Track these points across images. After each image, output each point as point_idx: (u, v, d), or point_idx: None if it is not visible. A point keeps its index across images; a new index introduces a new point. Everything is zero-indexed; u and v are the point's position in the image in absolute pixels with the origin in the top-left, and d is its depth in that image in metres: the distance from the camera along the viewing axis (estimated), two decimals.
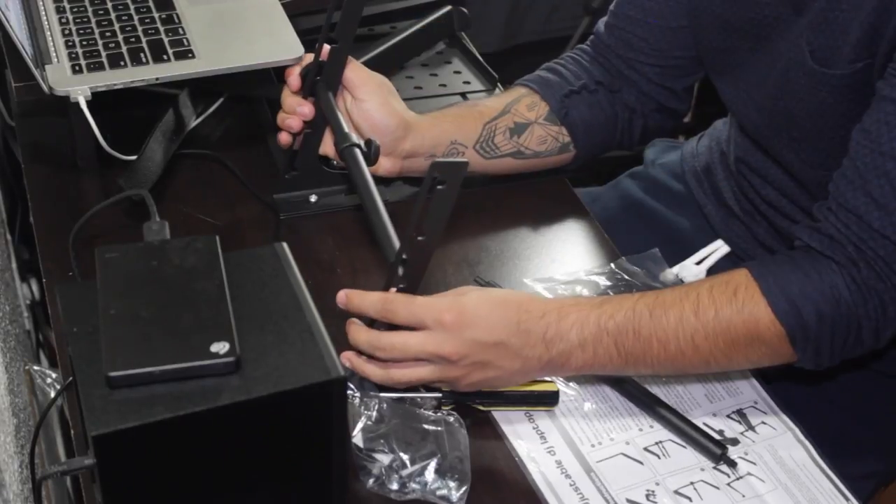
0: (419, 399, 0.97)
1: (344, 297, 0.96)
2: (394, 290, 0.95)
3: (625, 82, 1.25)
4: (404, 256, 0.92)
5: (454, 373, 0.94)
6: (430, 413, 0.95)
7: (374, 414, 0.94)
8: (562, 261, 1.18)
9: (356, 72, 1.14)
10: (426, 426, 0.94)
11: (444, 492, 0.91)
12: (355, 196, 1.16)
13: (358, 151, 1.07)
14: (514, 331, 0.94)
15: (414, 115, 1.17)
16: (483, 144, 1.20)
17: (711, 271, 1.22)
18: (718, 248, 1.26)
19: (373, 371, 0.95)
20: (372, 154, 1.08)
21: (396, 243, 0.96)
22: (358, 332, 0.95)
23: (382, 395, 0.96)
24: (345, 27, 1.09)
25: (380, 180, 1.13)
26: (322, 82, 1.13)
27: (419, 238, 0.89)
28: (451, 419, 0.95)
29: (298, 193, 1.20)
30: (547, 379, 1.01)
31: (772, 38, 1.10)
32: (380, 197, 1.01)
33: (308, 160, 1.18)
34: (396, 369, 0.94)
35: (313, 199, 1.21)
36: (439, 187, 0.86)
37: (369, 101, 1.13)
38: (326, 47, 1.11)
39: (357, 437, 0.92)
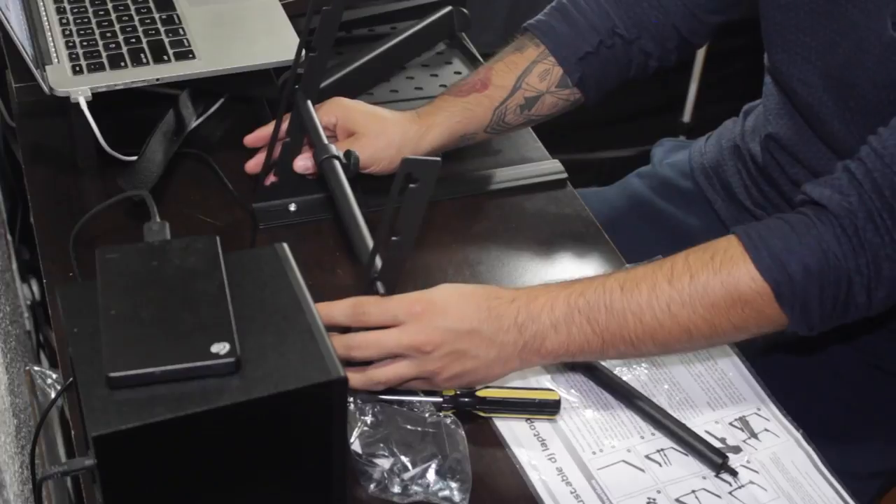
0: (419, 404, 0.96)
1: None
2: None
3: (644, 29, 1.21)
4: (378, 258, 0.92)
5: (431, 365, 0.94)
6: (427, 415, 0.95)
7: (371, 418, 0.94)
8: (562, 261, 1.18)
9: (348, 127, 1.16)
10: (424, 428, 0.94)
11: (446, 493, 0.91)
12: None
13: (337, 163, 1.07)
14: (486, 317, 0.94)
15: (415, 130, 1.17)
16: (494, 126, 1.22)
17: None
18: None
19: (352, 377, 0.94)
20: (352, 165, 1.08)
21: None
22: (332, 307, 0.95)
23: (382, 397, 0.96)
24: (323, 35, 1.08)
25: (363, 189, 1.14)
26: (300, 91, 1.12)
27: (393, 238, 0.89)
28: (448, 420, 0.95)
29: (278, 202, 1.19)
30: (549, 387, 1.01)
31: (846, 6, 1.06)
32: (358, 208, 1.01)
33: (286, 170, 1.17)
34: (374, 370, 0.94)
35: (293, 208, 1.20)
36: (412, 186, 0.85)
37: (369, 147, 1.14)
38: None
39: (355, 444, 0.92)
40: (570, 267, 1.17)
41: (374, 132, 1.16)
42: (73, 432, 0.96)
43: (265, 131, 1.19)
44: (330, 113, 1.17)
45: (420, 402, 0.96)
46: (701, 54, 2.35)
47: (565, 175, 1.29)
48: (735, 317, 0.95)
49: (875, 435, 1.21)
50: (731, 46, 1.24)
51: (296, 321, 0.78)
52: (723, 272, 0.94)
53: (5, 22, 1.18)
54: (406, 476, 0.91)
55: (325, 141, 1.09)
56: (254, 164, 1.19)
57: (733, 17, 1.25)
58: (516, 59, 1.23)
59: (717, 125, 1.42)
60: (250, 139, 1.21)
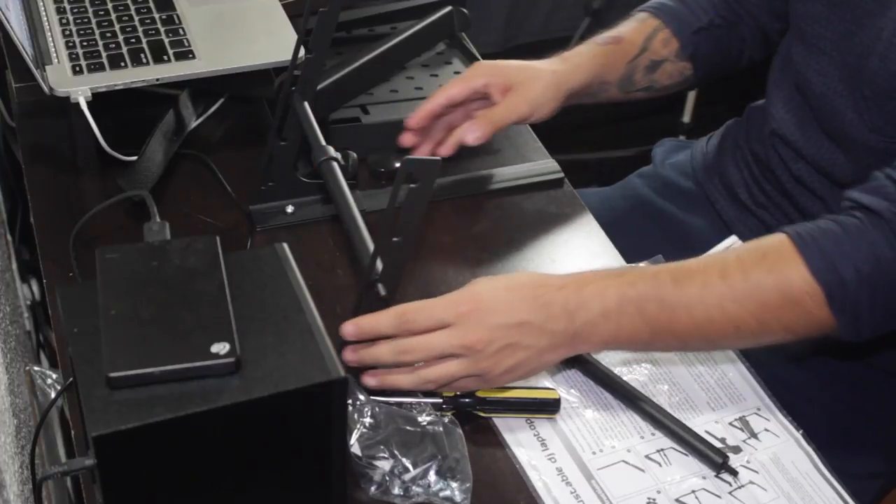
0: (419, 405, 0.96)
1: (353, 326, 0.94)
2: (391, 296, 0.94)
3: (741, 15, 1.28)
4: (379, 259, 0.91)
5: (484, 363, 0.93)
6: (425, 415, 0.95)
7: (370, 420, 0.94)
8: (562, 262, 1.18)
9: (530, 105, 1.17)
10: (423, 428, 0.93)
11: (447, 493, 0.91)
12: (332, 206, 1.16)
13: (335, 165, 1.07)
14: (534, 306, 0.94)
15: (563, 69, 1.19)
16: (624, 82, 1.26)
17: None
18: (733, 244, 1.27)
19: (404, 378, 0.94)
20: (350, 167, 1.08)
21: None
22: (378, 348, 0.94)
23: (381, 399, 0.96)
24: (320, 36, 1.07)
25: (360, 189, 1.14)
26: (297, 93, 1.12)
27: (394, 239, 0.89)
28: (447, 420, 0.95)
29: (275, 204, 1.19)
30: (549, 386, 1.01)
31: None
32: (357, 209, 1.01)
33: (283, 171, 1.17)
34: (426, 370, 0.94)
35: (290, 209, 1.19)
36: (412, 186, 0.85)
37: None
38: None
39: (355, 446, 0.92)
40: (570, 267, 1.17)
41: (530, 77, 1.17)
42: (73, 432, 0.96)
43: (428, 109, 1.17)
44: (476, 76, 1.17)
45: (419, 402, 0.96)
46: None
47: (561, 175, 1.29)
48: (785, 317, 0.94)
49: (876, 436, 1.21)
50: None
51: (296, 321, 0.78)
52: (775, 271, 0.93)
53: (5, 22, 1.18)
54: (407, 477, 0.91)
55: (323, 142, 1.09)
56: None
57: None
58: (640, 26, 1.28)
59: (716, 125, 1.42)
60: (413, 120, 1.17)
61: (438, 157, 0.85)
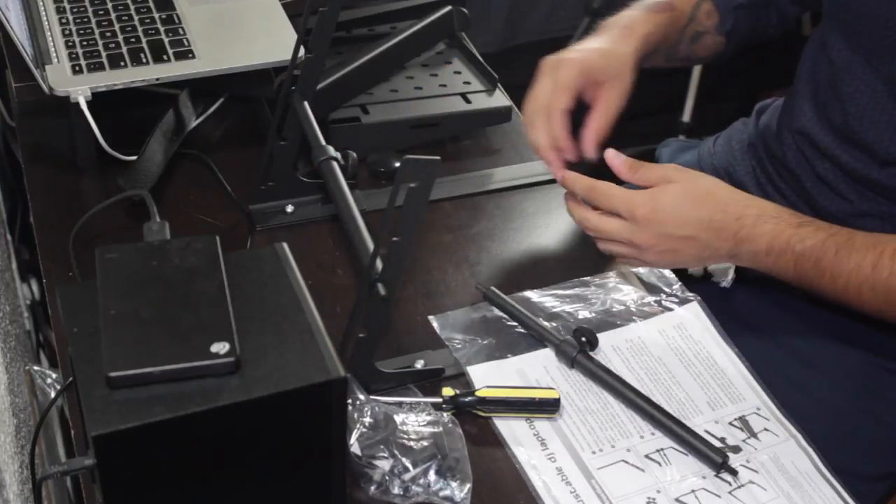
0: (419, 405, 0.96)
1: (561, 175, 1.11)
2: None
3: None
4: (379, 257, 0.91)
5: (648, 257, 1.06)
6: (425, 414, 0.95)
7: (369, 420, 0.94)
8: (562, 262, 1.18)
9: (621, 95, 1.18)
10: (423, 428, 0.93)
11: (447, 492, 0.91)
12: (332, 206, 1.15)
13: (335, 164, 1.07)
14: (706, 227, 1.04)
15: (632, 46, 1.19)
16: (671, 51, 1.28)
17: (739, 266, 1.22)
18: None
19: (576, 211, 1.10)
20: (349, 167, 1.08)
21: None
22: (575, 181, 1.10)
23: (381, 398, 0.96)
24: (320, 36, 1.07)
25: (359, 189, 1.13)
26: (297, 92, 1.12)
27: (394, 239, 0.89)
28: (446, 418, 0.95)
29: (274, 204, 1.19)
30: (550, 386, 1.01)
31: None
32: (357, 209, 1.01)
33: (283, 171, 1.17)
34: (596, 218, 1.07)
35: (290, 209, 1.19)
36: (412, 186, 0.85)
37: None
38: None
39: (354, 446, 0.92)
40: (570, 268, 1.17)
41: (618, 71, 1.17)
42: (72, 432, 0.96)
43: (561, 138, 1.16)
44: (569, 83, 1.15)
45: (419, 402, 0.96)
46: None
47: None
48: None
49: (885, 437, 1.21)
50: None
51: (296, 321, 0.78)
52: None
53: (5, 22, 1.18)
54: (406, 477, 0.91)
55: (323, 142, 1.09)
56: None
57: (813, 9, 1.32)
58: None
59: (716, 125, 1.42)
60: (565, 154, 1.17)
61: (437, 158, 0.85)
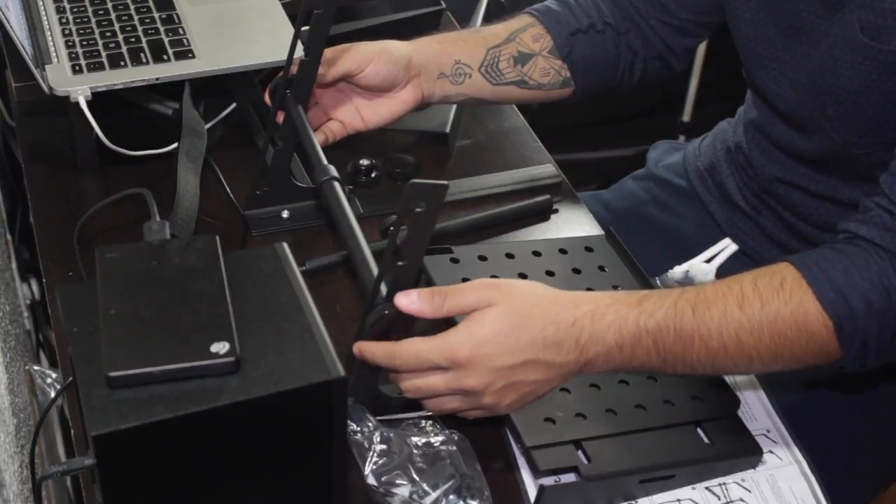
0: (421, 421, 0.94)
1: (357, 349, 0.92)
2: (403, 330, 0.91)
3: (632, 25, 1.25)
4: (383, 284, 0.89)
5: (487, 400, 0.91)
6: (435, 435, 0.93)
7: (381, 447, 0.91)
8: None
9: (356, 61, 1.14)
10: (438, 448, 0.91)
11: None
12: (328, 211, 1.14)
13: (337, 185, 1.04)
14: (542, 346, 0.90)
15: (409, 43, 1.18)
16: (488, 68, 1.21)
17: (721, 270, 1.21)
18: (727, 247, 1.26)
19: (404, 385, 0.92)
20: (374, 173, 1.05)
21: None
22: (373, 352, 0.91)
23: (385, 416, 0.94)
24: (314, 39, 1.06)
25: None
26: (292, 96, 1.11)
27: (399, 263, 0.86)
28: (456, 437, 0.93)
29: (270, 209, 1.18)
30: None
31: (811, 19, 1.08)
32: (360, 231, 0.98)
33: (279, 176, 1.16)
34: (429, 402, 0.92)
35: (285, 214, 1.18)
36: (418, 210, 0.82)
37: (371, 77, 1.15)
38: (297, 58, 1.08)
39: (369, 477, 0.89)
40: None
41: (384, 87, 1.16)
42: (72, 432, 0.96)
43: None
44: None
45: (422, 417, 0.94)
46: (701, 53, 2.35)
47: (560, 179, 1.28)
48: (797, 348, 0.92)
49: (878, 434, 1.21)
50: (731, 45, 1.23)
51: (296, 321, 0.78)
52: (793, 302, 0.91)
53: (5, 22, 1.18)
54: (427, 501, 0.88)
55: (324, 160, 1.06)
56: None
57: (702, 39, 1.29)
58: (511, 21, 1.25)
59: (716, 125, 1.42)
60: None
61: (446, 182, 0.82)
